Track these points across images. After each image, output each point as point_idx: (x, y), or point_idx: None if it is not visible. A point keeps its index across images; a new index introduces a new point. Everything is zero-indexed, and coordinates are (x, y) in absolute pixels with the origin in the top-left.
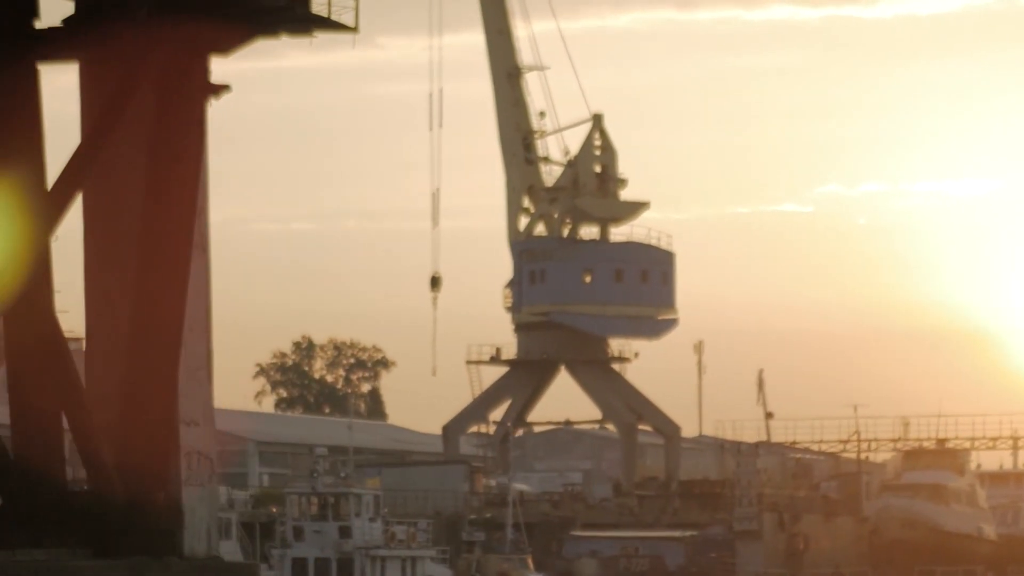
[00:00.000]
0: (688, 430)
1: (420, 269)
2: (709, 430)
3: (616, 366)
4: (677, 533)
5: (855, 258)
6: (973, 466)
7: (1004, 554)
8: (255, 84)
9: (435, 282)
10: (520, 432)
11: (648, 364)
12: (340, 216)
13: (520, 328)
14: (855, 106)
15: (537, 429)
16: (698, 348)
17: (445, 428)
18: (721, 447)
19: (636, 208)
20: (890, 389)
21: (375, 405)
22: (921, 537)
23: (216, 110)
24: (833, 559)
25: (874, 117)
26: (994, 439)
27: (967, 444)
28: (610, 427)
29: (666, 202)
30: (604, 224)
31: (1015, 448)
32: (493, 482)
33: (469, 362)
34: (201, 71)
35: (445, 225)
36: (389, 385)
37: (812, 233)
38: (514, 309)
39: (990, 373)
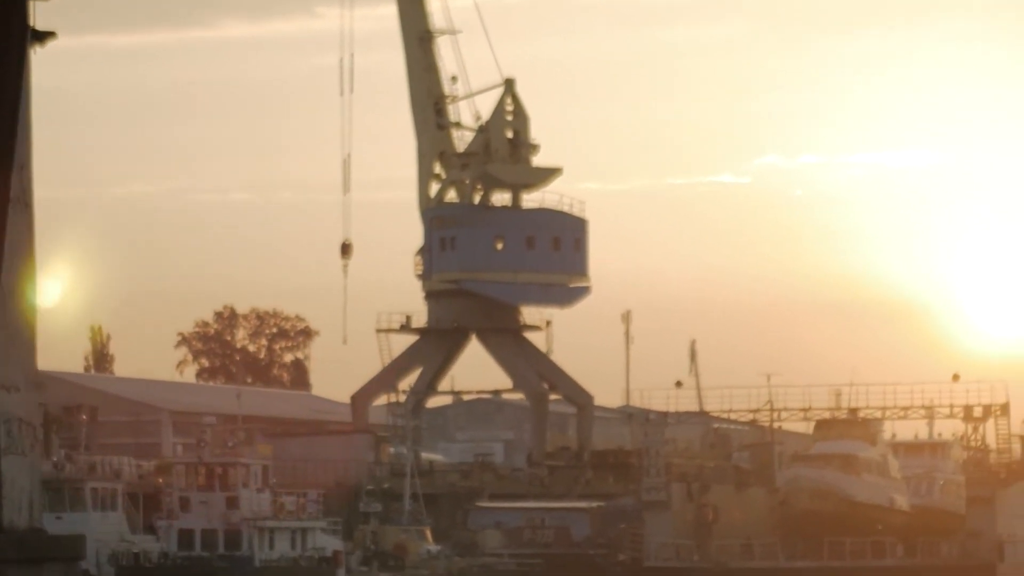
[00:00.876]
0: (614, 400)
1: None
2: (637, 400)
3: (535, 335)
4: (583, 504)
5: (792, 229)
6: (888, 436)
7: (917, 525)
8: (195, 54)
9: (345, 249)
10: (449, 401)
11: (572, 334)
12: (277, 187)
13: (430, 296)
14: (794, 77)
15: (467, 398)
16: (626, 318)
17: (354, 397)
18: (630, 417)
19: (548, 174)
20: (818, 360)
21: (299, 375)
22: (831, 508)
23: (156, 80)
24: (745, 530)
25: (813, 88)
26: (905, 408)
27: (878, 414)
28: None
29: (601, 173)
30: (516, 191)
31: (930, 418)
32: (404, 451)
33: (379, 330)
34: (18, 15)
35: (361, 194)
36: (315, 355)
37: (750, 204)
38: (424, 277)
39: (919, 345)
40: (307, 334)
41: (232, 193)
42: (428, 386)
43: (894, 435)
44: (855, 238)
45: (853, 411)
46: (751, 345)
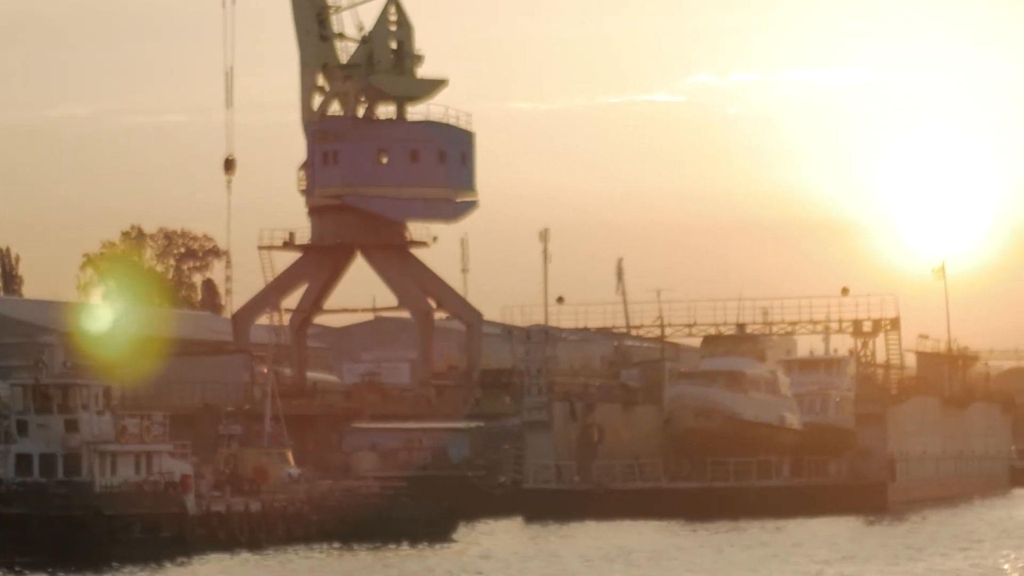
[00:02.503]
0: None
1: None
2: (517, 318)
3: (423, 252)
4: (462, 424)
5: (725, 148)
6: (806, 352)
7: (808, 443)
8: None
9: (229, 165)
10: (353, 320)
11: (487, 250)
12: (209, 109)
13: (314, 212)
14: None
15: (389, 315)
16: (543, 236)
17: (235, 317)
18: (510, 334)
19: (433, 86)
20: (745, 277)
21: (210, 296)
22: (716, 426)
23: (39, 4)
24: (633, 450)
25: (746, 7)
26: (793, 323)
27: (768, 329)
28: (439, 316)
29: (525, 91)
30: (401, 103)
31: (826, 332)
32: (288, 371)
33: (261, 248)
34: None
35: (246, 110)
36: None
37: (683, 123)
38: (308, 192)
39: (843, 261)
40: (216, 254)
41: (165, 115)
42: (313, 304)
43: (789, 351)
44: (786, 156)
45: (741, 327)
46: (679, 263)
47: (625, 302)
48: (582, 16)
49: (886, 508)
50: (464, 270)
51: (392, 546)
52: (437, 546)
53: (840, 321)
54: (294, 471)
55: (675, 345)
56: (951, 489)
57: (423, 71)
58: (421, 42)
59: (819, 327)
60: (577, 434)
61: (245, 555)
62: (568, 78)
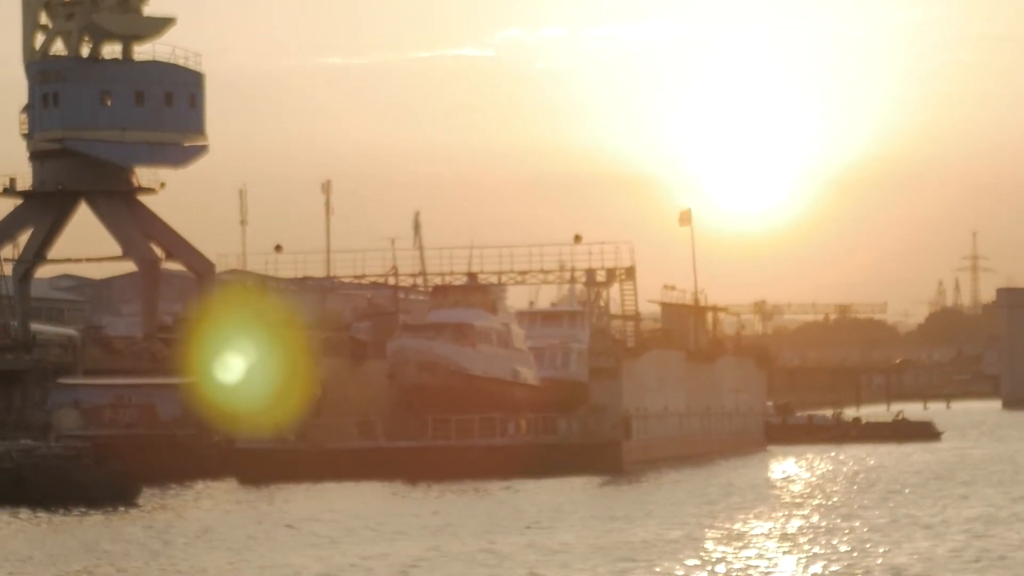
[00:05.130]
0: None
1: None
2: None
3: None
4: (172, 380)
5: (533, 103)
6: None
7: (546, 399)
8: None
9: None
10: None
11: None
12: None
13: (35, 157)
14: None
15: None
16: (326, 188)
17: None
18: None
19: (161, 25)
20: (542, 231)
21: None
22: (441, 382)
23: None
24: (361, 406)
25: None
26: (523, 273)
27: (497, 279)
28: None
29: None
30: (127, 43)
31: (572, 281)
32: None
33: None
34: None
35: None
36: None
37: (492, 78)
38: (29, 136)
39: (636, 214)
40: None
41: None
42: (36, 254)
43: (532, 303)
44: (592, 111)
45: (472, 276)
46: (471, 217)
47: (422, 257)
48: None
49: (621, 468)
50: (243, 222)
51: (64, 512)
52: (115, 511)
53: (573, 270)
54: None
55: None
56: (698, 447)
57: (151, 9)
58: None
59: (550, 276)
60: None
61: None
62: (378, 33)
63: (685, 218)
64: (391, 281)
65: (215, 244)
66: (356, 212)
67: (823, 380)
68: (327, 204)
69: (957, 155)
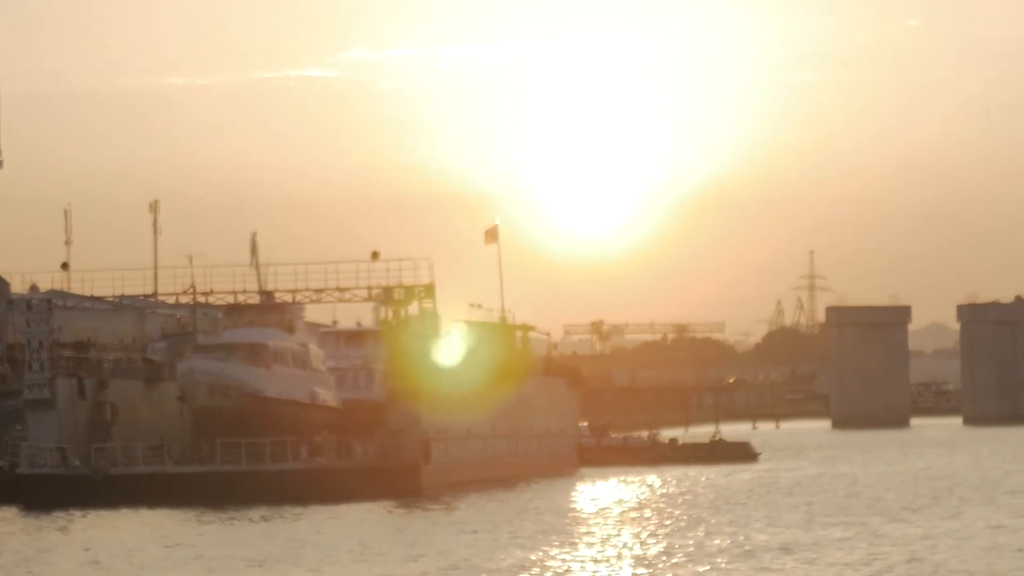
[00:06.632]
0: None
1: None
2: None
3: None
4: None
5: (377, 123)
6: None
7: (346, 421)
8: None
9: None
10: None
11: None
12: None
13: None
14: None
15: None
16: (154, 207)
17: None
18: (10, 304)
19: None
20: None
21: None
22: (234, 404)
23: None
24: (156, 430)
25: None
26: (319, 291)
27: (292, 297)
28: None
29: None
30: None
31: (369, 299)
32: None
33: None
34: None
35: None
36: None
37: (337, 98)
38: None
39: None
40: None
41: None
42: None
43: (335, 322)
44: (437, 131)
45: (268, 294)
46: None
47: (259, 276)
48: None
49: (420, 492)
50: (68, 241)
51: None
52: None
53: (370, 288)
54: None
55: None
56: (505, 470)
57: None
58: None
59: (347, 295)
60: (88, 413)
61: None
62: (223, 53)
63: (491, 235)
64: (182, 299)
65: (39, 262)
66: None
67: (652, 400)
68: (154, 224)
69: (799, 175)
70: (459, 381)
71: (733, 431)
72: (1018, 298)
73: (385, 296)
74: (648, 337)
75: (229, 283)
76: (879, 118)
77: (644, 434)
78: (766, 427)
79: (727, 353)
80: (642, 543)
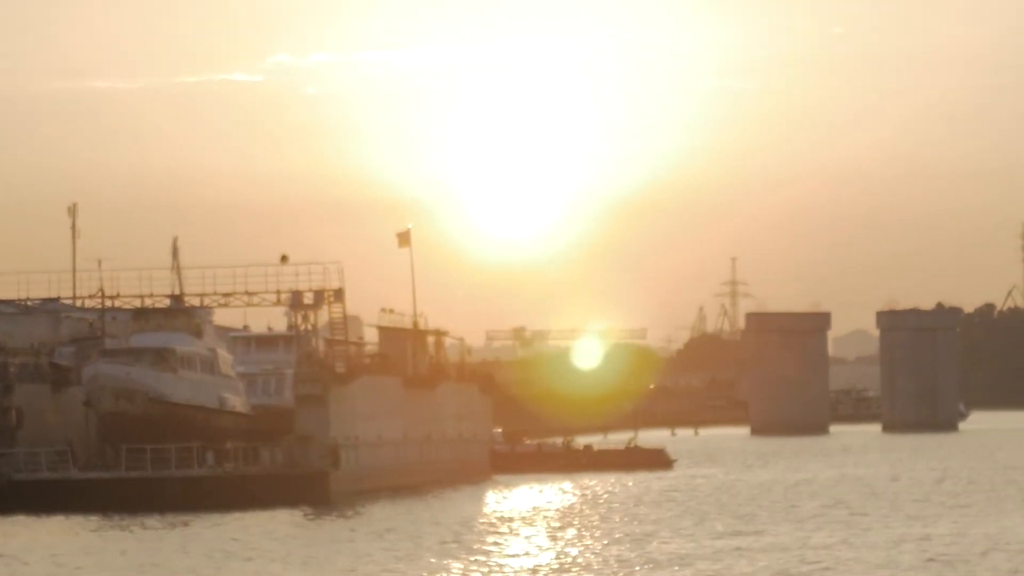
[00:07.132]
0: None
1: None
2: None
3: None
4: None
5: (302, 128)
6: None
7: (255, 427)
8: None
9: None
10: None
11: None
12: None
13: None
14: None
15: None
16: (72, 211)
17: None
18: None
19: None
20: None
21: None
22: (139, 410)
23: None
24: (64, 436)
25: None
26: (227, 295)
27: (200, 301)
28: None
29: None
30: None
31: (279, 304)
32: None
33: None
34: None
35: None
36: None
37: (261, 102)
38: None
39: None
40: None
41: None
42: None
43: (246, 326)
44: (360, 136)
45: (178, 298)
46: (236, 242)
47: (180, 280)
48: None
49: (329, 500)
50: None
51: None
52: None
53: (279, 292)
54: None
55: None
56: (416, 477)
57: None
58: None
59: (255, 299)
60: None
61: None
62: (145, 57)
63: (404, 239)
64: (88, 303)
65: None
66: (106, 236)
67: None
68: (73, 227)
69: (727, 183)
70: (368, 386)
71: (651, 438)
72: (939, 305)
73: (294, 300)
74: (571, 343)
75: (139, 287)
76: (804, 128)
77: (559, 440)
78: (685, 434)
79: (649, 360)
80: (528, 553)
